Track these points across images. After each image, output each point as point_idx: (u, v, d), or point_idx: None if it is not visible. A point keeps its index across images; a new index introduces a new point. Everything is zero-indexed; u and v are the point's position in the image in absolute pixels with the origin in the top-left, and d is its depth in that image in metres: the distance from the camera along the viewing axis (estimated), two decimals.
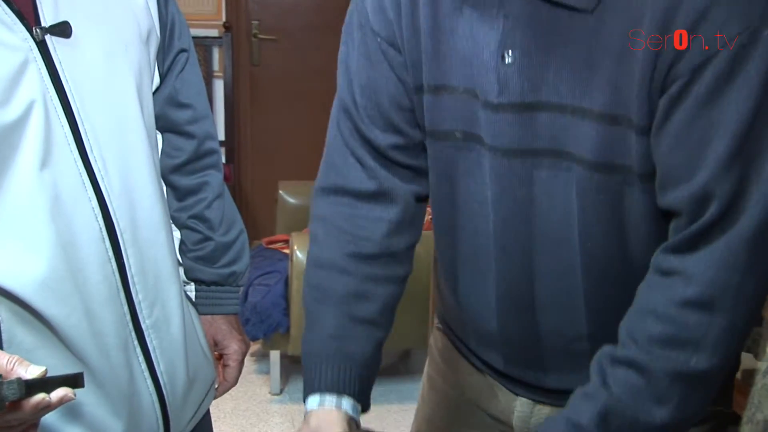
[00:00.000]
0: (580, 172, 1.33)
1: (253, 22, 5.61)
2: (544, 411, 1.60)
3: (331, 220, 1.55)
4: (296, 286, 3.82)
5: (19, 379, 1.19)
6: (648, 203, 1.34)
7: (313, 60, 5.49)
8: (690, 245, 1.26)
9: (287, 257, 4.04)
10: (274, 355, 4.10)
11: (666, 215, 1.33)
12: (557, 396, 1.52)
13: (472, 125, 1.42)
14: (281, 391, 4.14)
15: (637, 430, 1.27)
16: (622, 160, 1.31)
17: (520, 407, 1.63)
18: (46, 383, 1.22)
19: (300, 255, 3.83)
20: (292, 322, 3.87)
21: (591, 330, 1.43)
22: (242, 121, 5.61)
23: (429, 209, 1.63)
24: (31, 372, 1.22)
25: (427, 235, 1.59)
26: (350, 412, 1.45)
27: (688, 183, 1.25)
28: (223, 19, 5.47)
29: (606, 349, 1.33)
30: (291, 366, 4.28)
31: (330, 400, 1.47)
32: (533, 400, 1.60)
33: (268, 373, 4.14)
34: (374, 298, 1.52)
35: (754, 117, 1.23)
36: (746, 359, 2.83)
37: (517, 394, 1.63)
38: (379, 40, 1.51)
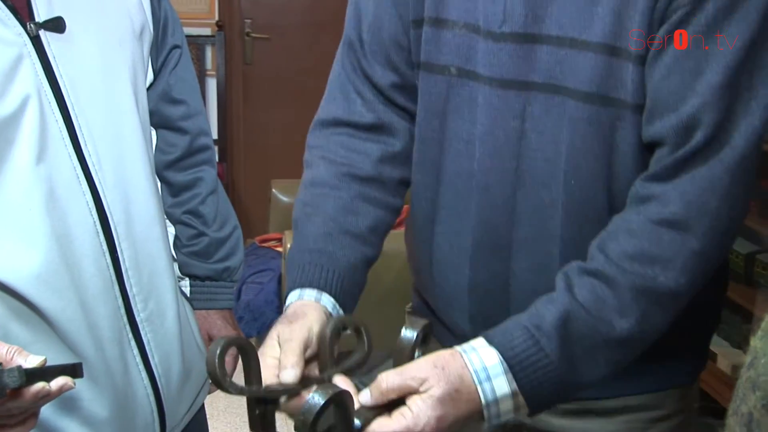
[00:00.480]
0: (573, 105, 1.36)
1: (245, 20, 5.59)
2: None
3: (328, 147, 1.56)
4: None
5: (19, 367, 1.20)
6: (638, 138, 1.36)
7: (306, 59, 5.48)
8: (671, 172, 1.29)
9: (280, 255, 4.04)
10: None
11: (650, 151, 1.34)
12: None
13: (467, 61, 1.44)
14: None
15: (596, 339, 1.26)
16: (616, 92, 1.34)
17: None
18: (45, 372, 1.23)
19: None
20: None
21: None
22: (235, 120, 5.60)
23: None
24: (31, 361, 1.23)
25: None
26: (329, 308, 1.39)
27: (677, 111, 1.28)
28: (216, 17, 5.45)
29: (574, 263, 1.33)
30: None
31: (309, 293, 1.41)
32: None
33: None
34: (364, 214, 1.50)
35: (748, 52, 1.27)
36: (737, 355, 2.86)
37: None
38: None
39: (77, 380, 1.29)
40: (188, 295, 1.76)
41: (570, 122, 1.37)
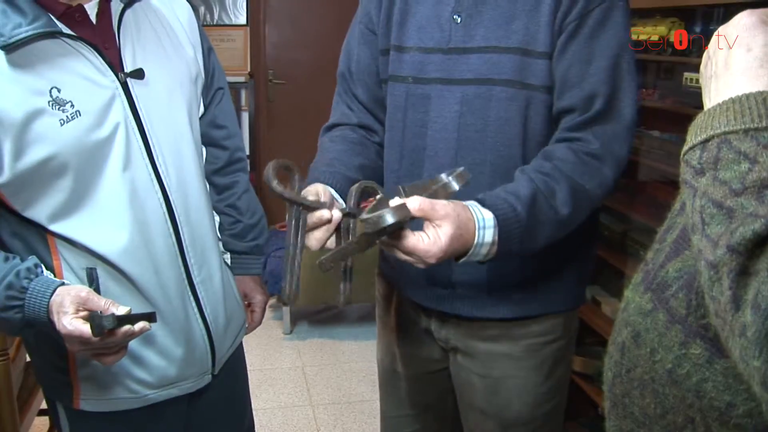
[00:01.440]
0: (500, 89, 1.41)
1: (269, 71, 5.49)
2: (451, 324, 1.58)
3: (330, 136, 1.62)
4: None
5: (113, 314, 1.20)
6: (545, 110, 1.43)
7: (312, 97, 5.33)
8: (584, 127, 1.38)
9: None
10: (286, 308, 4.04)
11: (555, 121, 1.43)
12: (457, 306, 1.53)
13: (420, 71, 1.49)
14: (291, 332, 4.09)
15: (548, 215, 1.31)
16: (529, 79, 1.40)
17: (434, 325, 1.62)
18: (131, 318, 1.23)
19: None
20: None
21: None
22: (261, 142, 5.50)
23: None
24: (120, 310, 1.22)
25: None
26: (331, 191, 1.38)
27: (580, 88, 1.37)
28: (249, 69, 5.36)
29: (528, 166, 1.37)
30: (297, 315, 4.21)
31: (316, 184, 1.38)
32: (442, 317, 1.59)
33: (281, 319, 4.09)
34: (354, 157, 1.54)
35: (620, 48, 1.38)
36: (615, 303, 2.87)
37: (430, 318, 1.62)
38: (365, 28, 1.59)
39: (152, 324, 1.29)
40: (229, 264, 1.73)
41: (497, 102, 1.42)
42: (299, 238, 1.20)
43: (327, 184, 1.39)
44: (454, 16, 1.45)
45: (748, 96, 0.70)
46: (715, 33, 0.79)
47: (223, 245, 1.72)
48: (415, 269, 1.45)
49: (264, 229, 1.82)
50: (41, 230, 1.36)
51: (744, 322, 0.63)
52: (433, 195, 1.17)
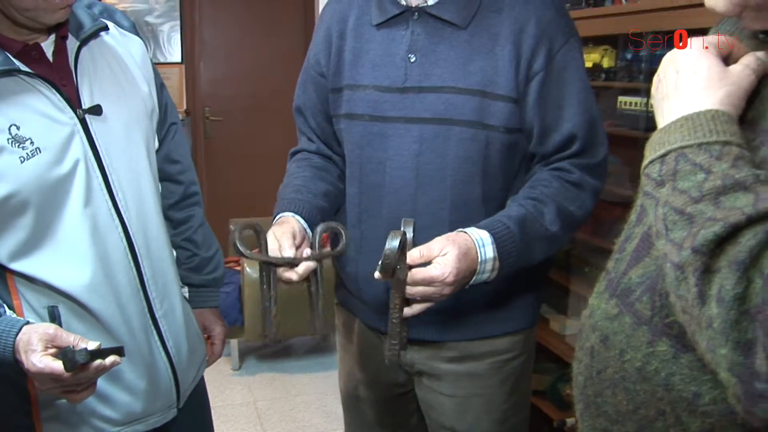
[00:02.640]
0: (459, 130, 1.44)
1: (205, 108, 5.48)
2: (414, 348, 1.61)
3: (297, 160, 1.68)
4: (247, 293, 3.71)
5: (85, 349, 1.20)
6: (502, 147, 1.47)
7: (248, 133, 5.39)
8: (564, 159, 1.47)
9: (238, 273, 3.93)
10: (233, 342, 4.00)
11: (530, 159, 1.52)
12: (422, 331, 1.56)
13: (375, 110, 1.51)
14: (240, 367, 4.05)
15: (539, 233, 1.42)
16: (488, 120, 1.44)
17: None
18: (101, 353, 1.23)
19: (249, 270, 3.70)
20: (246, 318, 3.76)
21: None
22: (201, 177, 5.30)
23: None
24: (91, 345, 1.22)
25: None
26: (301, 223, 1.46)
27: (558, 132, 1.44)
28: (185, 107, 5.33)
29: (519, 194, 1.48)
30: (245, 350, 4.18)
31: (288, 214, 1.48)
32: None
33: (229, 355, 4.04)
34: (319, 184, 1.60)
35: (584, 85, 1.46)
36: (562, 319, 2.94)
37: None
38: (314, 73, 1.63)
39: (124, 355, 1.29)
40: (188, 297, 1.72)
41: (456, 141, 1.44)
42: (272, 292, 1.34)
43: (296, 212, 1.46)
44: (409, 56, 1.47)
45: (698, 114, 0.77)
46: (664, 58, 0.86)
47: (181, 279, 1.71)
48: (374, 297, 1.49)
49: (220, 262, 1.82)
50: (0, 269, 1.35)
51: (710, 315, 0.68)
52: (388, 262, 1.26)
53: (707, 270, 0.69)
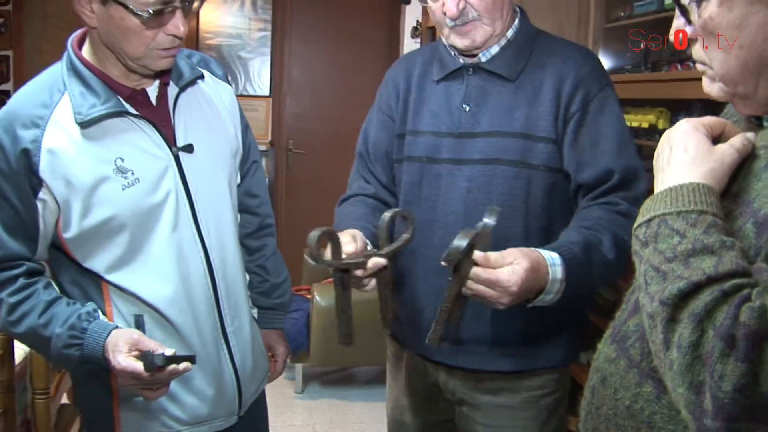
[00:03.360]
0: (504, 169, 1.60)
1: (289, 140, 5.70)
2: (457, 376, 1.73)
3: (350, 202, 1.80)
4: (315, 320, 3.86)
5: (163, 354, 1.39)
6: (543, 185, 1.61)
7: (328, 167, 5.53)
8: (608, 193, 1.57)
9: (308, 300, 4.08)
10: (298, 366, 4.16)
11: (575, 194, 1.63)
12: (463, 360, 1.69)
13: (432, 153, 1.68)
14: (302, 391, 4.21)
15: (599, 258, 1.49)
16: (530, 160, 1.60)
17: (442, 377, 1.77)
18: (176, 359, 1.41)
19: (318, 298, 3.86)
20: (312, 345, 3.91)
21: None
22: (279, 207, 5.63)
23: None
24: (168, 352, 1.41)
25: None
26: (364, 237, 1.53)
27: (595, 166, 1.57)
28: (270, 138, 5.55)
29: (570, 225, 1.58)
30: (309, 375, 4.33)
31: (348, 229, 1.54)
32: (449, 370, 1.74)
33: (293, 379, 4.22)
34: (374, 218, 1.63)
35: (621, 128, 1.60)
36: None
37: (438, 371, 1.77)
38: (384, 115, 1.80)
39: (195, 363, 1.47)
40: (256, 318, 1.86)
41: (501, 179, 1.60)
42: (345, 294, 1.41)
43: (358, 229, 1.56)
44: (464, 105, 1.66)
45: (681, 186, 0.91)
46: (663, 135, 1.00)
47: (252, 301, 1.87)
48: (425, 329, 1.63)
49: (288, 289, 1.98)
50: (97, 279, 1.56)
51: (671, 359, 0.82)
52: (479, 237, 1.34)
53: (671, 320, 0.82)
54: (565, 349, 1.74)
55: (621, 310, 1.11)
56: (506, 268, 1.32)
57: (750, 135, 0.98)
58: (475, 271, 1.32)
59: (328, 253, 1.37)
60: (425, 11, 4.62)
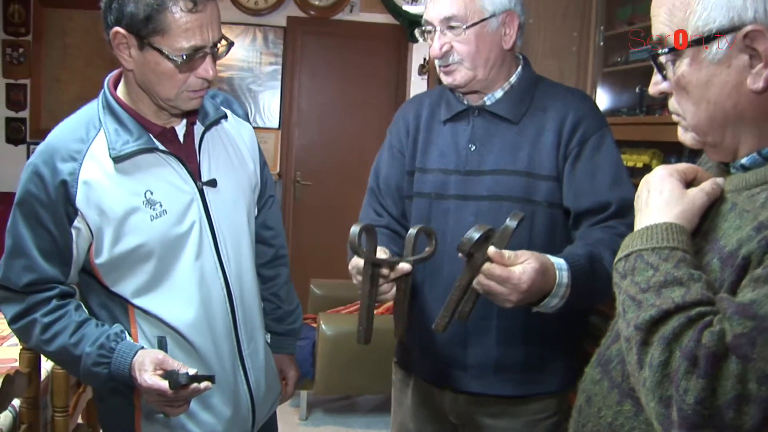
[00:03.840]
0: (509, 204, 1.69)
1: (297, 172, 5.83)
2: (461, 400, 1.82)
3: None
4: (320, 348, 3.93)
5: (187, 373, 1.51)
6: (547, 220, 1.72)
7: (334, 198, 5.66)
8: (607, 219, 1.66)
9: (314, 329, 4.17)
10: (303, 394, 4.23)
11: (575, 225, 1.72)
12: (469, 384, 1.78)
13: (441, 189, 1.78)
14: (306, 418, 4.29)
15: (601, 271, 1.56)
16: (533, 196, 1.71)
17: (447, 402, 1.86)
18: (198, 378, 1.52)
19: (324, 327, 3.94)
20: (317, 372, 3.99)
21: (498, 311, 1.70)
22: (286, 237, 5.68)
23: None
24: (190, 371, 1.52)
25: None
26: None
27: (593, 196, 1.68)
28: (278, 169, 5.68)
29: (577, 241, 1.67)
30: (314, 402, 4.41)
31: None
32: (454, 394, 1.84)
33: (298, 406, 4.30)
34: (399, 243, 1.77)
35: (616, 164, 1.70)
36: None
37: (443, 395, 1.86)
38: (395, 151, 1.90)
39: (214, 383, 1.58)
40: (269, 343, 1.97)
41: (507, 214, 1.59)
42: (373, 290, 1.49)
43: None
44: (470, 145, 1.78)
45: (656, 225, 1.04)
46: (643, 179, 1.14)
47: (266, 327, 1.98)
48: (432, 354, 1.73)
49: (299, 316, 2.09)
50: (124, 303, 1.67)
51: (644, 377, 0.94)
52: (495, 234, 1.41)
53: (644, 343, 0.95)
54: (563, 375, 1.84)
55: (606, 337, 1.23)
56: (518, 267, 1.39)
57: (719, 180, 1.11)
58: (488, 266, 1.38)
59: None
60: None
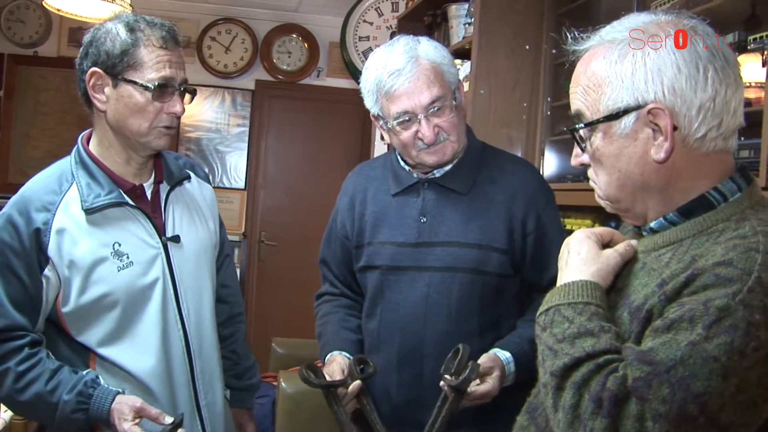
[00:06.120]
0: (461, 276, 1.77)
1: (261, 233, 5.87)
2: None
3: (329, 302, 2.00)
4: (280, 405, 3.90)
5: (173, 422, 1.58)
6: (495, 287, 1.80)
7: (298, 259, 5.71)
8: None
9: (274, 387, 4.19)
10: None
11: (528, 293, 1.86)
12: None
13: (392, 261, 1.84)
14: None
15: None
16: (485, 267, 1.78)
17: None
18: (174, 426, 1.59)
19: (284, 385, 3.92)
20: (277, 429, 3.92)
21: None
22: (250, 296, 5.73)
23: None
24: (167, 420, 1.60)
25: None
26: (346, 356, 1.81)
27: (548, 272, 1.76)
28: (243, 229, 5.74)
29: (520, 320, 1.83)
30: None
31: (335, 353, 1.83)
32: None
33: None
34: (351, 321, 1.93)
35: (563, 233, 1.74)
36: None
37: None
38: (340, 235, 1.97)
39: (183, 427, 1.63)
40: (228, 398, 2.03)
41: (459, 285, 1.79)
42: (340, 408, 1.69)
43: (341, 350, 1.84)
44: (421, 218, 1.83)
45: (574, 282, 1.16)
46: (564, 242, 1.26)
47: (225, 383, 2.02)
48: (387, 411, 1.81)
49: (257, 371, 2.16)
50: (86, 353, 1.72)
51: (559, 419, 1.05)
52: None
53: (558, 388, 1.06)
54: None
55: (535, 387, 1.34)
56: (490, 381, 1.67)
57: (633, 242, 1.24)
58: (474, 390, 1.65)
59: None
60: None
